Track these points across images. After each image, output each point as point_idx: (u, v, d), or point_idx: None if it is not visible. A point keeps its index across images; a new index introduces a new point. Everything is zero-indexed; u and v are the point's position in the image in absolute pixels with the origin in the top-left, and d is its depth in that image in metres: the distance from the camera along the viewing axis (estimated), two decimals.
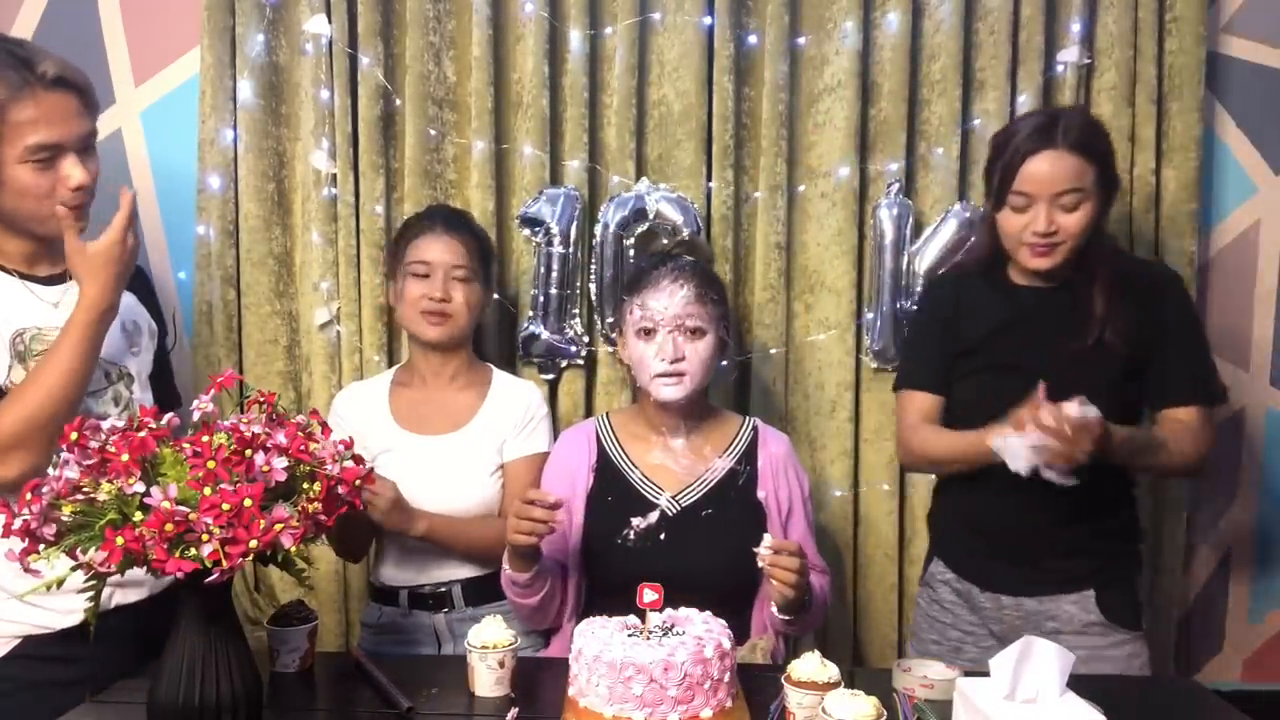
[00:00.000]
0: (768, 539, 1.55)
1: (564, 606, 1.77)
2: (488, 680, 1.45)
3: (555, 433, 1.99)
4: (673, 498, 1.77)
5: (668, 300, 1.74)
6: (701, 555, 1.71)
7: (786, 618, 1.63)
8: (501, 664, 1.45)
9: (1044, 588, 1.76)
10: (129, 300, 1.67)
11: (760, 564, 1.54)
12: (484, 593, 1.87)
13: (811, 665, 1.36)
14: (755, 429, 1.86)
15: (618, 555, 1.73)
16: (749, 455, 1.82)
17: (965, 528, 1.85)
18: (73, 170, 1.51)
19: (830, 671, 1.35)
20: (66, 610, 1.49)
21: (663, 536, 1.73)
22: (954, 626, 1.85)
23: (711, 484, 1.79)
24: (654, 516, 1.74)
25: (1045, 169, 1.66)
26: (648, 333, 1.76)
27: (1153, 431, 1.74)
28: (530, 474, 1.90)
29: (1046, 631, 1.68)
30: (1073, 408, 1.52)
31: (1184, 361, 1.75)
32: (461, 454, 1.89)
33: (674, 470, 1.79)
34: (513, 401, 1.95)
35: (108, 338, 1.55)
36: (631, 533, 1.73)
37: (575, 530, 1.78)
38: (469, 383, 1.97)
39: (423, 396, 1.95)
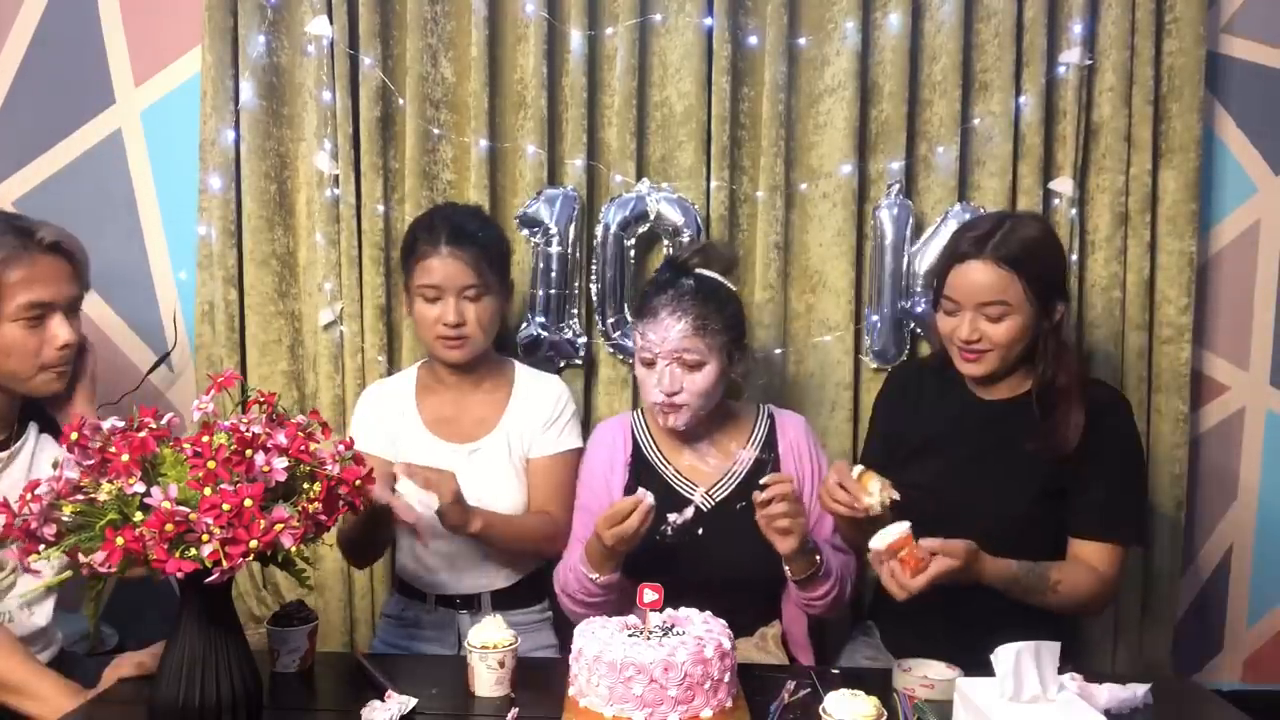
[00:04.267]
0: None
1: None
2: (488, 680, 1.45)
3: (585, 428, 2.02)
4: (707, 493, 1.78)
5: (665, 333, 1.72)
6: (740, 547, 1.70)
7: (807, 594, 1.66)
8: (501, 664, 1.45)
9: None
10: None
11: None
12: (513, 600, 1.89)
13: None
14: (771, 415, 1.88)
15: (655, 551, 1.71)
16: (769, 443, 1.84)
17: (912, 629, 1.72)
18: (60, 329, 1.56)
19: None
20: None
21: (700, 531, 1.74)
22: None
23: (741, 476, 1.80)
24: (690, 512, 1.74)
25: (969, 279, 1.66)
26: (648, 363, 1.76)
27: (1046, 570, 1.61)
28: (562, 471, 1.91)
29: None
30: (932, 543, 1.48)
31: (1104, 493, 1.67)
32: (493, 459, 1.90)
33: (704, 470, 1.82)
34: (539, 399, 1.95)
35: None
36: (669, 528, 1.72)
37: None
38: (493, 384, 1.96)
39: (449, 399, 1.95)
